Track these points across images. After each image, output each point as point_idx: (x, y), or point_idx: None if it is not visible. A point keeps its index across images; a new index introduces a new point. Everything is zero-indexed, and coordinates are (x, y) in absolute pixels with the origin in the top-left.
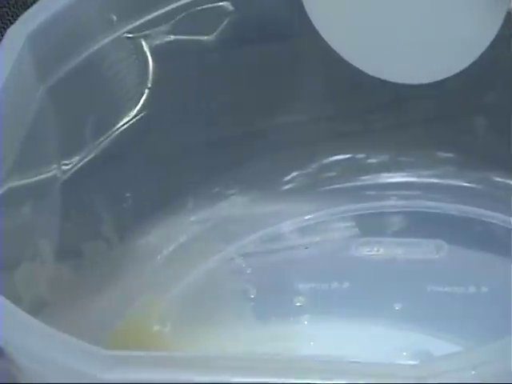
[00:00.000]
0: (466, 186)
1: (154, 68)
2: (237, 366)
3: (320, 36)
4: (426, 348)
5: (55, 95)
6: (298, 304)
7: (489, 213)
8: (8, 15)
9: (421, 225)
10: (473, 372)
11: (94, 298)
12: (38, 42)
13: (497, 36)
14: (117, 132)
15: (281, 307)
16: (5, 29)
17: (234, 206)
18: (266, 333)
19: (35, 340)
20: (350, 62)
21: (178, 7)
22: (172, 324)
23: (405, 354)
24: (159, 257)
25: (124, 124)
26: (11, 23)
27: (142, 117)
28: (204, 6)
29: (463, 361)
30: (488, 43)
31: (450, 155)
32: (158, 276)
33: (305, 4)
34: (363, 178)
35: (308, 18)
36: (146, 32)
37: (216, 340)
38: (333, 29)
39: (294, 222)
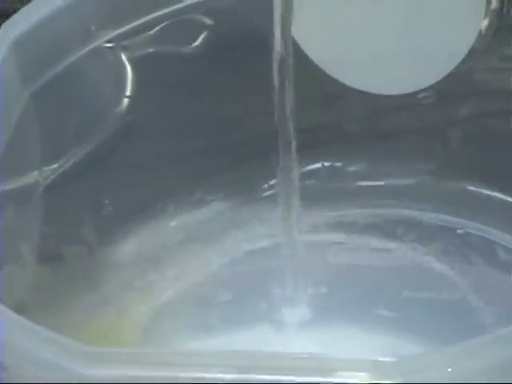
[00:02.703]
0: (441, 196)
1: (133, 77)
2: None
3: (299, 47)
4: (403, 353)
5: (38, 101)
6: (275, 309)
7: (464, 222)
8: None
9: (397, 233)
10: (449, 369)
11: (72, 301)
12: (21, 50)
13: (471, 49)
14: (97, 139)
15: (257, 312)
16: None
17: (215, 211)
18: (241, 338)
19: (21, 337)
20: (329, 73)
21: (156, 17)
22: (144, 333)
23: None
24: (139, 262)
25: (104, 131)
26: None
27: (122, 125)
28: (183, 17)
29: (439, 359)
30: (463, 56)
31: (426, 165)
32: (138, 281)
33: None
34: (341, 186)
35: None
36: (125, 42)
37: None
38: (311, 40)
39: (273, 229)
